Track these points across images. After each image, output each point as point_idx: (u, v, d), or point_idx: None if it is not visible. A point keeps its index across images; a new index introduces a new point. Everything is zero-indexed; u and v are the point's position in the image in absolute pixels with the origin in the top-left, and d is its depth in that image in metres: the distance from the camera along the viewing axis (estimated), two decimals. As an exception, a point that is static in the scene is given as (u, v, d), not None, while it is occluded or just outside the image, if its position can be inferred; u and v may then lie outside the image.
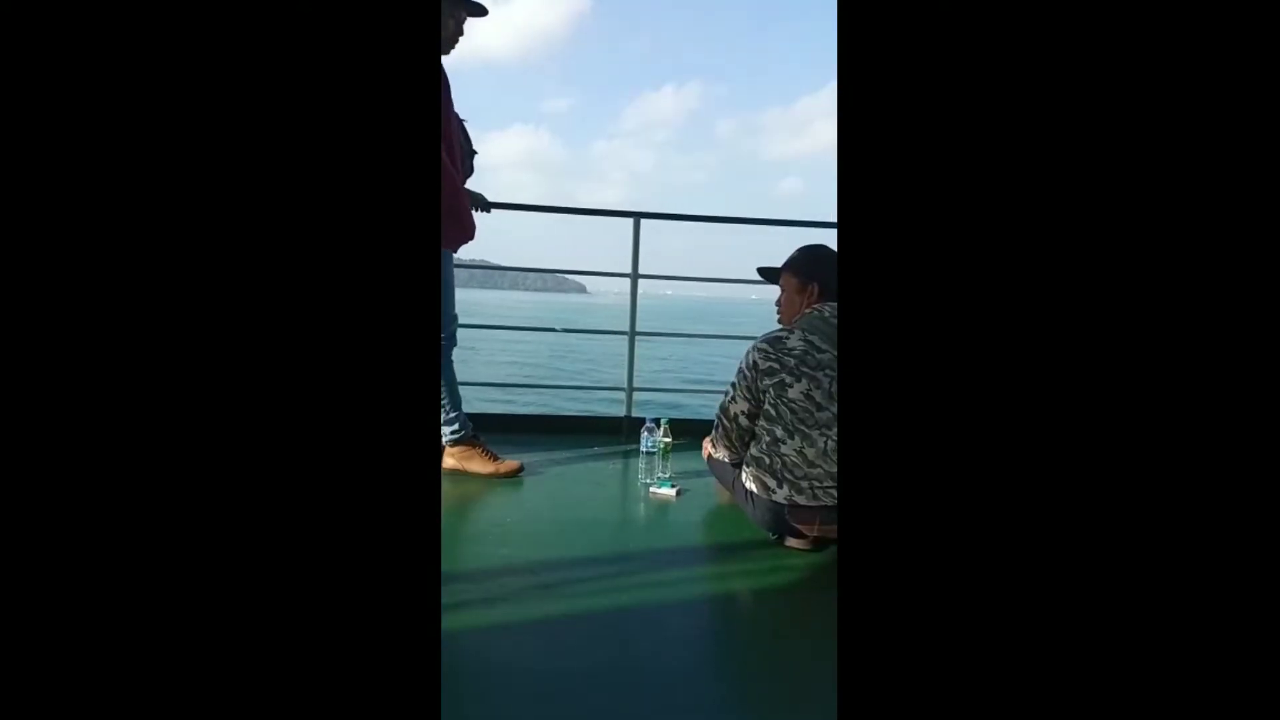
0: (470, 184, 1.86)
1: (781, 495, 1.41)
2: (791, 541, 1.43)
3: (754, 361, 1.45)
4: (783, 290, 1.58)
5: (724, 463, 1.62)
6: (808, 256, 1.55)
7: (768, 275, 1.64)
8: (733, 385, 1.51)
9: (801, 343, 1.43)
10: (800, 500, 1.39)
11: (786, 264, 1.56)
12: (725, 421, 1.53)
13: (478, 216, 1.81)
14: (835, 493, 1.38)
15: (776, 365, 1.42)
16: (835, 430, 1.38)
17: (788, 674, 0.97)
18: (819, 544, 1.42)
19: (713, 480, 1.76)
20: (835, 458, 1.38)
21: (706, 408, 2.44)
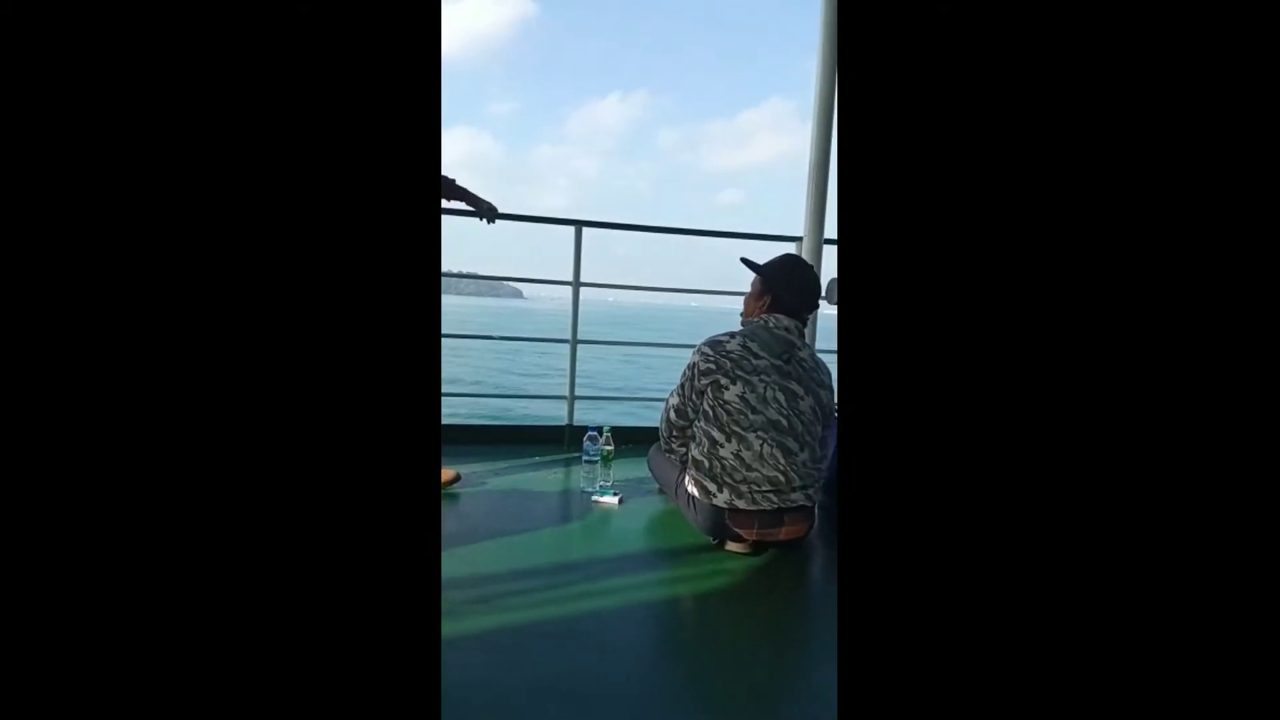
0: None
1: (722, 499, 1.44)
2: (731, 545, 1.47)
3: (695, 362, 1.51)
4: (751, 288, 1.64)
5: (666, 467, 1.65)
6: (778, 268, 1.59)
7: (750, 265, 1.66)
8: (679, 385, 1.56)
9: (740, 347, 1.48)
10: (740, 504, 1.43)
11: (763, 267, 1.61)
12: (664, 417, 1.61)
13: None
14: (774, 497, 1.43)
15: (714, 367, 1.47)
16: (771, 434, 1.43)
17: (731, 676, 0.99)
18: (757, 548, 1.46)
19: (655, 487, 1.78)
20: (771, 462, 1.42)
21: (650, 414, 2.45)
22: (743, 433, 1.43)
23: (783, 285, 1.55)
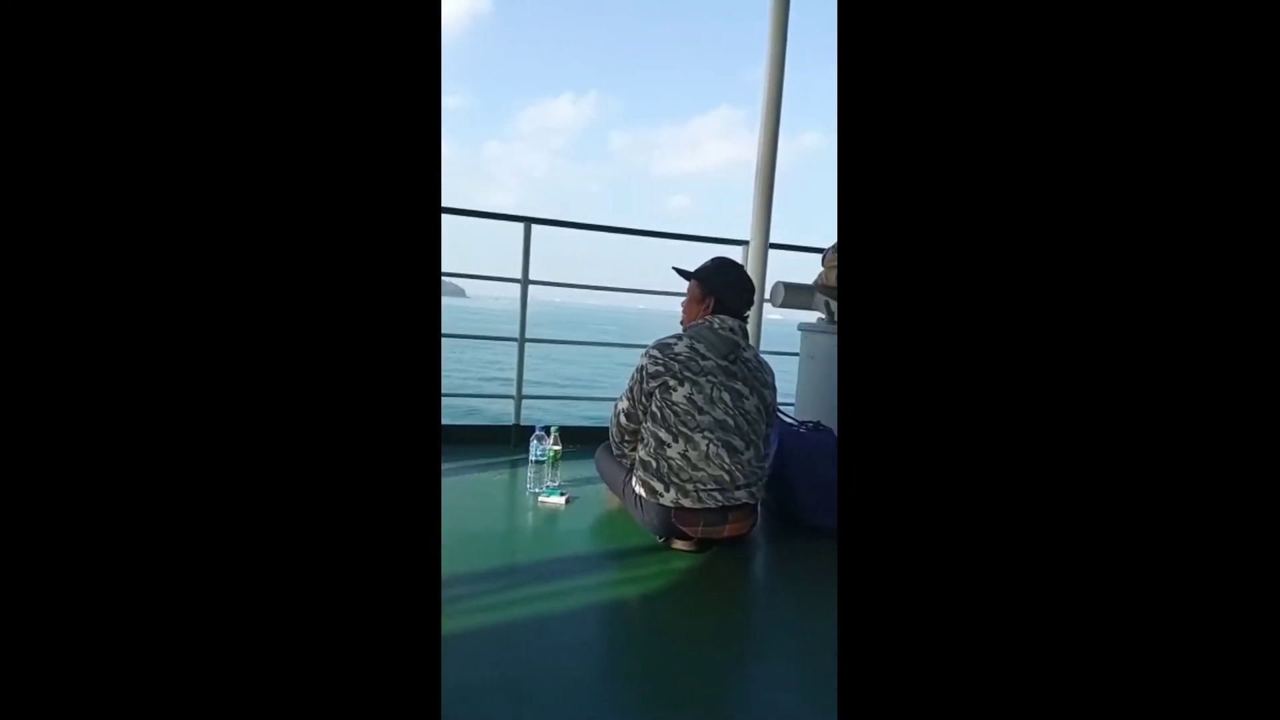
0: None
1: (669, 498, 1.45)
2: (677, 543, 1.49)
3: (643, 365, 1.52)
4: (688, 295, 1.66)
5: (613, 468, 1.65)
6: (715, 270, 1.62)
7: (683, 274, 1.69)
8: (628, 389, 1.56)
9: (687, 349, 1.50)
10: (686, 503, 1.45)
11: (697, 272, 1.64)
12: (614, 422, 1.62)
13: None
14: (719, 495, 1.45)
15: (662, 369, 1.48)
16: (717, 434, 1.46)
17: (678, 674, 1.00)
18: (703, 545, 1.49)
19: (602, 486, 1.78)
20: (717, 461, 1.45)
21: (598, 412, 2.45)
22: (689, 433, 1.45)
23: (723, 286, 1.59)
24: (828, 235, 2.24)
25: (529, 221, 2.25)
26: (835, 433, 1.79)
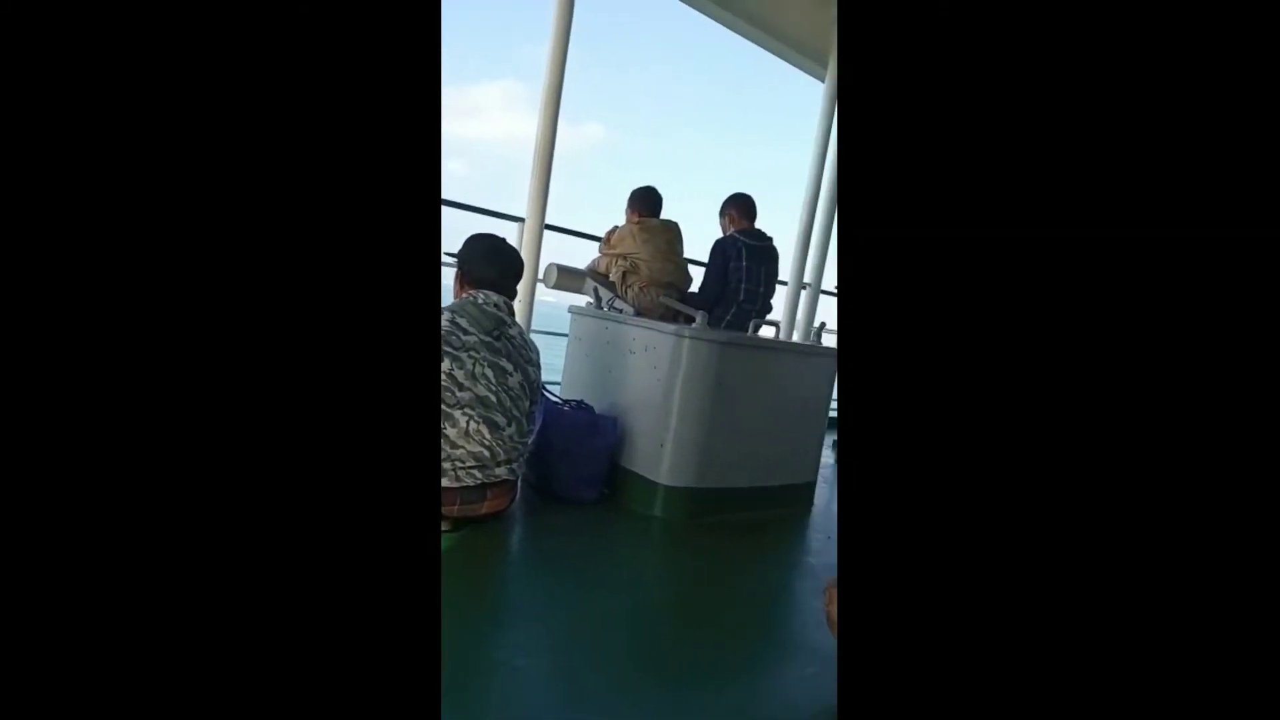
0: None
1: (423, 478, 1.39)
2: (432, 524, 1.44)
3: None
4: (454, 280, 1.64)
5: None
6: (468, 247, 1.61)
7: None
8: None
9: (448, 323, 1.45)
10: (444, 482, 1.40)
11: (458, 253, 1.62)
12: None
13: None
14: (477, 473, 1.43)
15: None
16: (478, 410, 1.44)
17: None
18: (459, 524, 1.46)
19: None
20: (477, 438, 1.43)
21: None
22: (449, 410, 1.41)
23: (479, 261, 1.59)
24: (605, 222, 2.34)
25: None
26: (595, 410, 1.89)
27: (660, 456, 1.78)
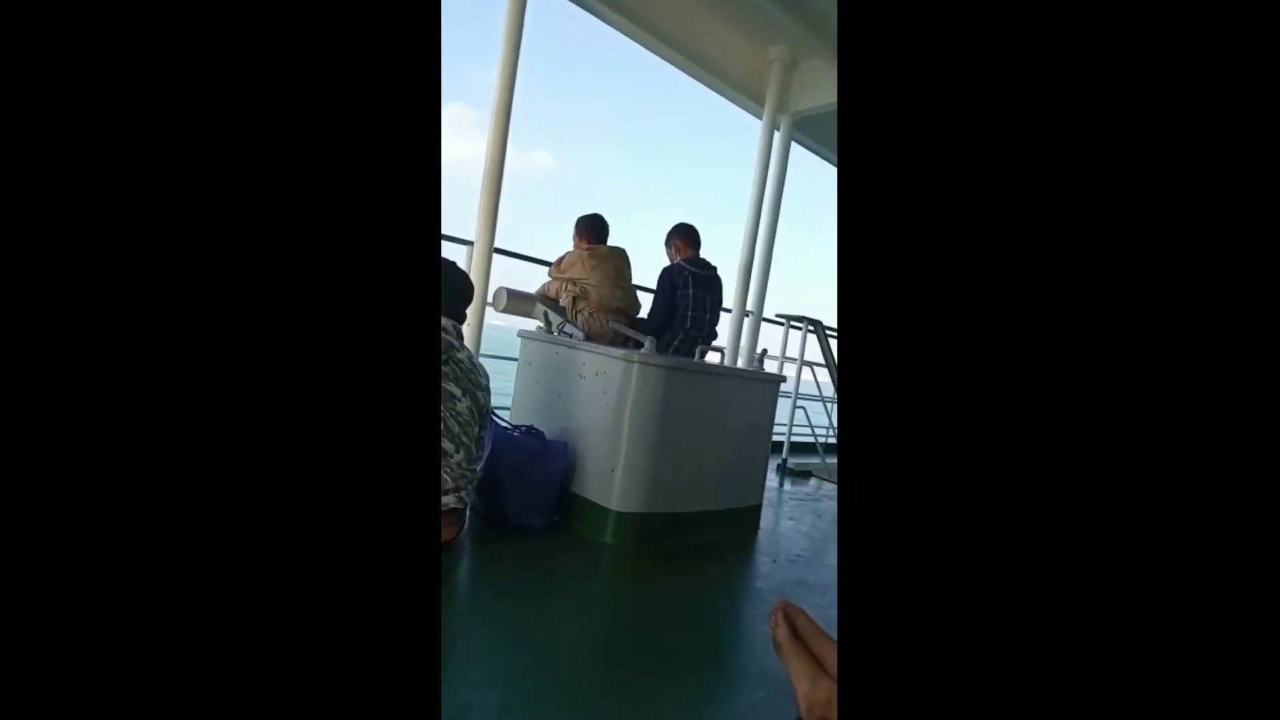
0: None
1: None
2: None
3: None
4: None
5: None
6: None
7: None
8: None
9: None
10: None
11: None
12: None
13: None
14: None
15: None
16: None
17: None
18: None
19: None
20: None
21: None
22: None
23: None
24: (554, 247, 2.35)
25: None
26: (546, 435, 1.88)
27: (611, 481, 1.78)
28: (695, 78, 3.42)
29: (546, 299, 2.19)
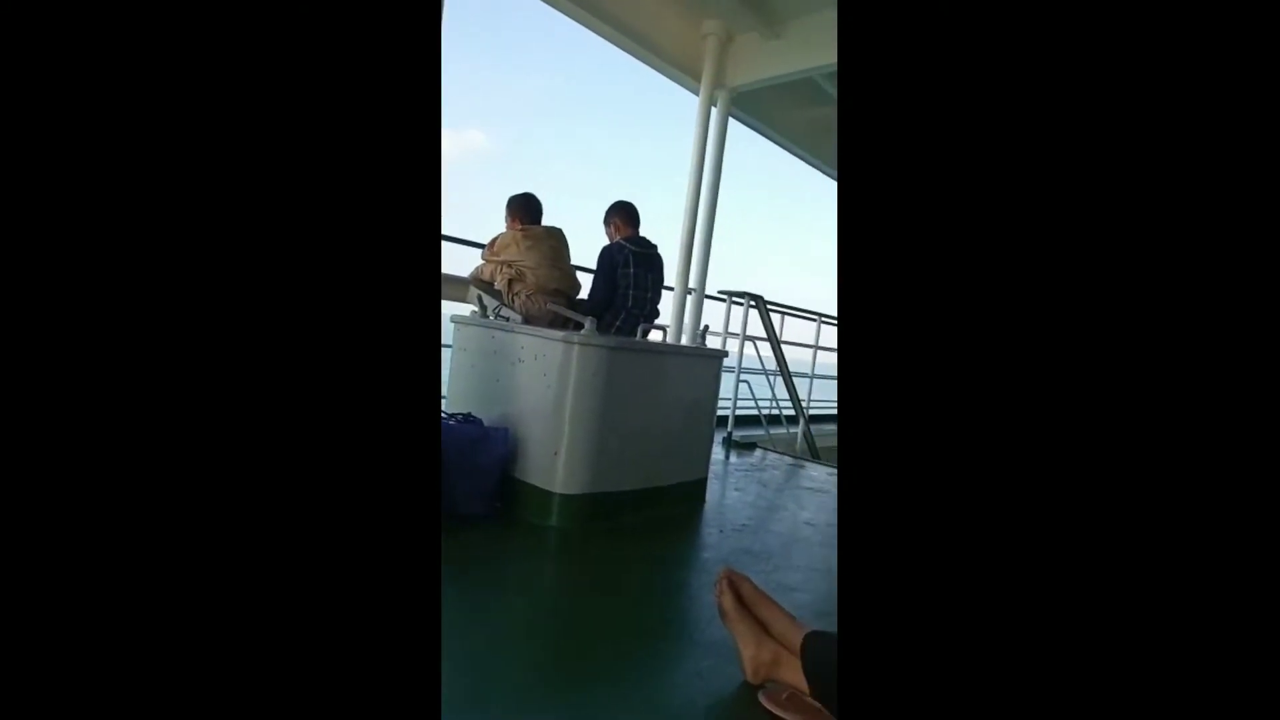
0: None
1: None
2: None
3: None
4: None
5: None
6: None
7: None
8: None
9: None
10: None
11: None
12: None
13: None
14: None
15: None
16: None
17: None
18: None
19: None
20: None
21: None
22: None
23: None
24: (488, 230, 2.29)
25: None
26: (484, 422, 1.84)
27: (554, 465, 1.77)
28: (631, 53, 3.37)
29: (480, 282, 2.14)
